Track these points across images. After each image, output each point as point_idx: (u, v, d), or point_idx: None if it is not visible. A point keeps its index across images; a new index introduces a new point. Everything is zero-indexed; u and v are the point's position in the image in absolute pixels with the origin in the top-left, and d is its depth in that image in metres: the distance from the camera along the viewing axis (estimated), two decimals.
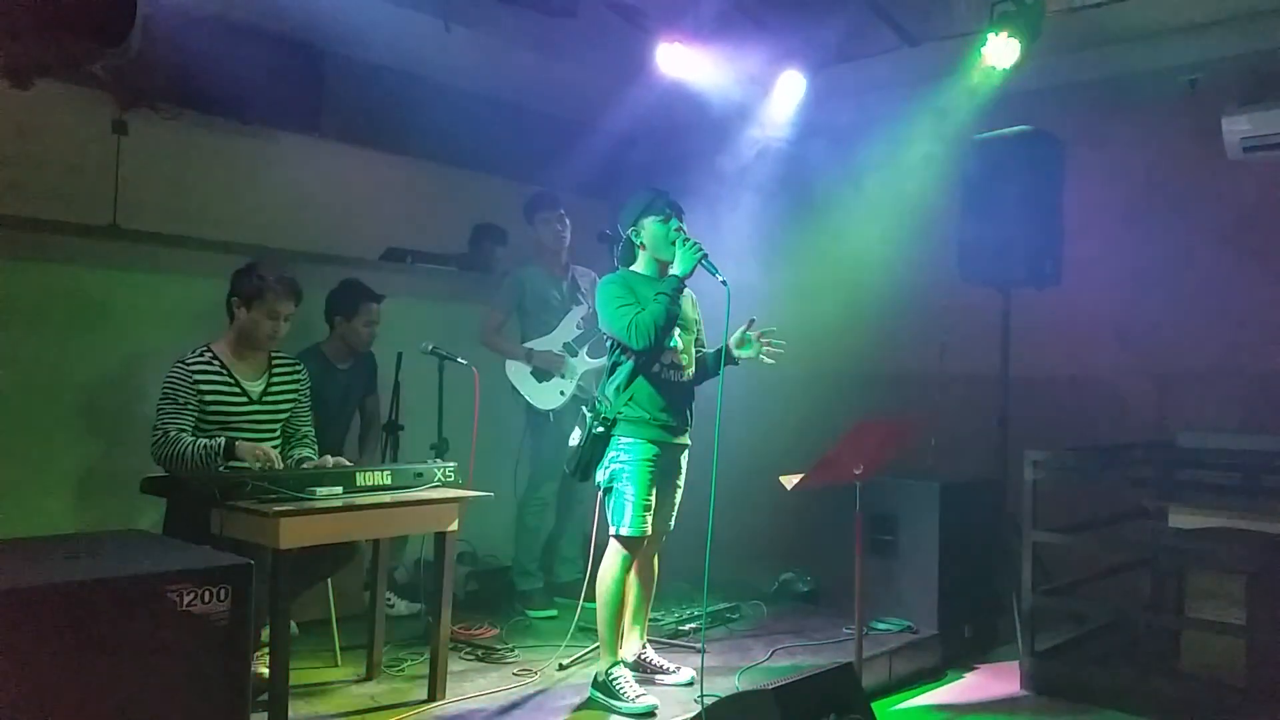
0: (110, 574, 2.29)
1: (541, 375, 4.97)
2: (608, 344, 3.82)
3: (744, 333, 3.72)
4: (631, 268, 3.84)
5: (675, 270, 3.63)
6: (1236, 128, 4.52)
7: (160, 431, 3.49)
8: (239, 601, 2.39)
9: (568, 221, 5.10)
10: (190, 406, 3.54)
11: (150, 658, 2.26)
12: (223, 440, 3.47)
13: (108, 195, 4.34)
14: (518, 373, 4.98)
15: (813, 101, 5.29)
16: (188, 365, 3.59)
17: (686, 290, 3.72)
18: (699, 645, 4.06)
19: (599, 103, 5.51)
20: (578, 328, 5.03)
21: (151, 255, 4.51)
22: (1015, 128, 4.77)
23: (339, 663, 4.02)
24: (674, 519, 3.88)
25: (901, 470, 4.65)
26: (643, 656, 3.93)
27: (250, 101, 4.73)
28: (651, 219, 3.74)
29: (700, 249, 3.61)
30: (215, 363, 3.64)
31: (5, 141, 4.15)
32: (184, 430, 3.50)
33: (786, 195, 5.80)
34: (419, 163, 5.61)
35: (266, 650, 3.31)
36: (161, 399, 3.54)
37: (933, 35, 5.03)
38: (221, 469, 3.38)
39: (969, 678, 4.43)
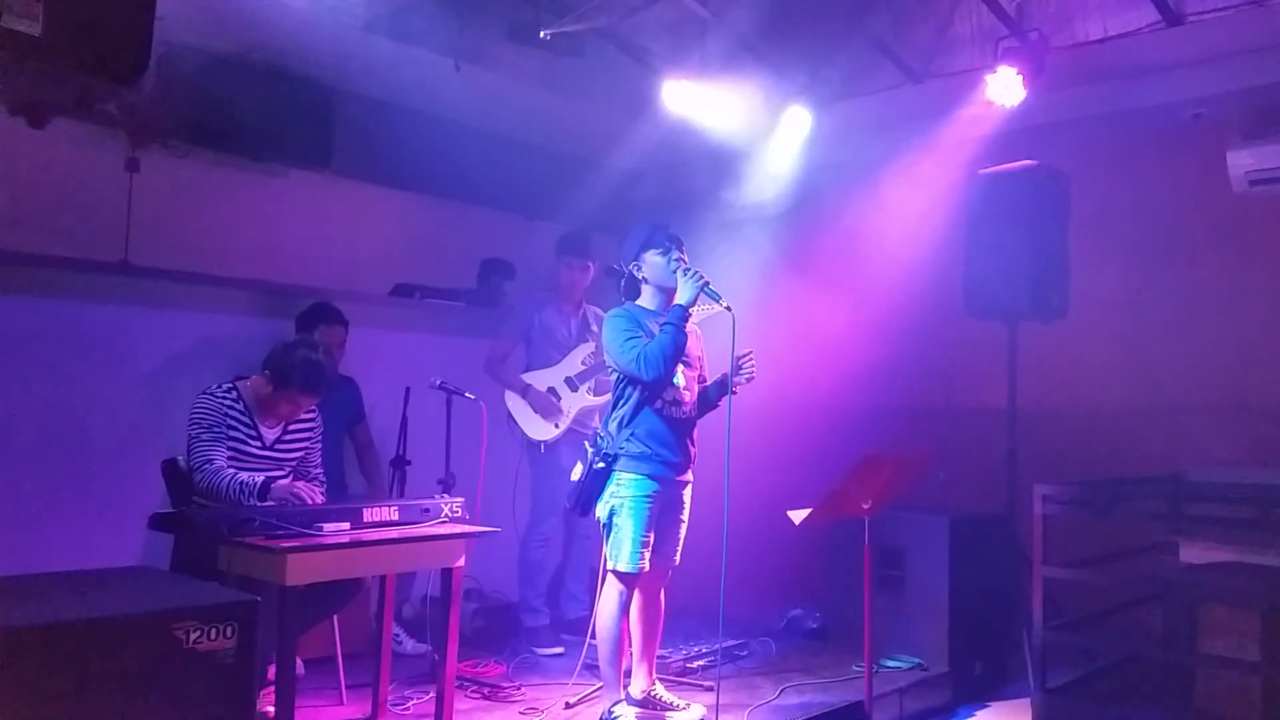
0: (117, 611, 2.29)
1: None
2: (614, 378, 3.84)
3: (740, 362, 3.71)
4: (636, 302, 3.88)
5: (679, 300, 3.67)
6: (1241, 162, 4.53)
7: (203, 458, 3.51)
8: (245, 639, 2.39)
9: (591, 271, 5.10)
10: (223, 436, 3.58)
11: (156, 696, 2.26)
12: (261, 479, 3.48)
13: (119, 232, 4.37)
14: (516, 402, 5.00)
15: (818, 137, 5.31)
16: (215, 396, 3.62)
17: (691, 326, 3.75)
18: (708, 683, 4.03)
19: (606, 139, 5.55)
20: (583, 364, 5.03)
21: (162, 292, 4.54)
22: (1020, 162, 4.79)
23: (344, 701, 3.99)
24: (679, 554, 3.88)
25: (910, 504, 4.62)
26: (652, 693, 3.90)
27: (261, 139, 4.79)
28: (652, 252, 3.81)
29: (701, 277, 3.66)
30: (240, 403, 3.67)
31: (18, 178, 4.19)
32: (222, 461, 3.53)
33: (792, 230, 5.83)
34: (428, 199, 5.65)
35: (272, 688, 3.29)
36: (194, 427, 3.57)
37: (937, 72, 5.07)
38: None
39: (980, 715, 4.37)
